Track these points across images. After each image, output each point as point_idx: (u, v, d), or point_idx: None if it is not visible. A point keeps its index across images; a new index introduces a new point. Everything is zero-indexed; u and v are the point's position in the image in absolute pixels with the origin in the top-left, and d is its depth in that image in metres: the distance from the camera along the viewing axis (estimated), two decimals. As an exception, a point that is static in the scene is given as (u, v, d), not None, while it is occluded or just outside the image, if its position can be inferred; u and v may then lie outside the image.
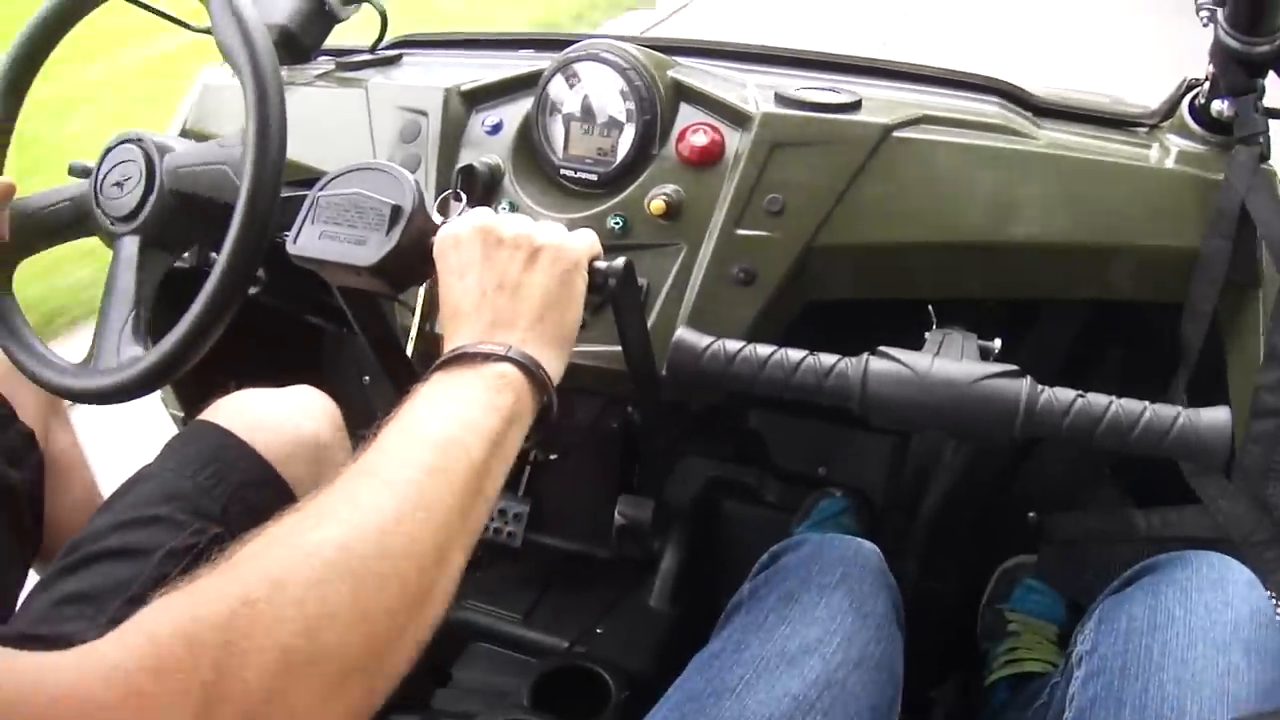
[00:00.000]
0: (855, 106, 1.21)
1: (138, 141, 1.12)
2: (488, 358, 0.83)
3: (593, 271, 0.95)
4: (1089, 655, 0.97)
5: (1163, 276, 1.17)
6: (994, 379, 0.93)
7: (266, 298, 1.47)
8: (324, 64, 1.57)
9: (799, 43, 1.49)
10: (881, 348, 0.98)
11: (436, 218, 0.99)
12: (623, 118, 1.23)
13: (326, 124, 1.39)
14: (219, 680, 0.56)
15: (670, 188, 1.20)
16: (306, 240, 0.96)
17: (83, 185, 1.16)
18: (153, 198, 1.10)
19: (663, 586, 1.53)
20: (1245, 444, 1.11)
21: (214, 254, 1.02)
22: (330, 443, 1.26)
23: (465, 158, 1.28)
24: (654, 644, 1.45)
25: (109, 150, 1.14)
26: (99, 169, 1.14)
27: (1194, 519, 1.20)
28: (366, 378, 1.85)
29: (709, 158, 1.20)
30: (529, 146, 1.29)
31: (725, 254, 1.17)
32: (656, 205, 1.19)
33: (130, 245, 1.10)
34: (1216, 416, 0.88)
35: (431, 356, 0.87)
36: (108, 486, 1.21)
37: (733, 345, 1.01)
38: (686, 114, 1.24)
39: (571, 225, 1.00)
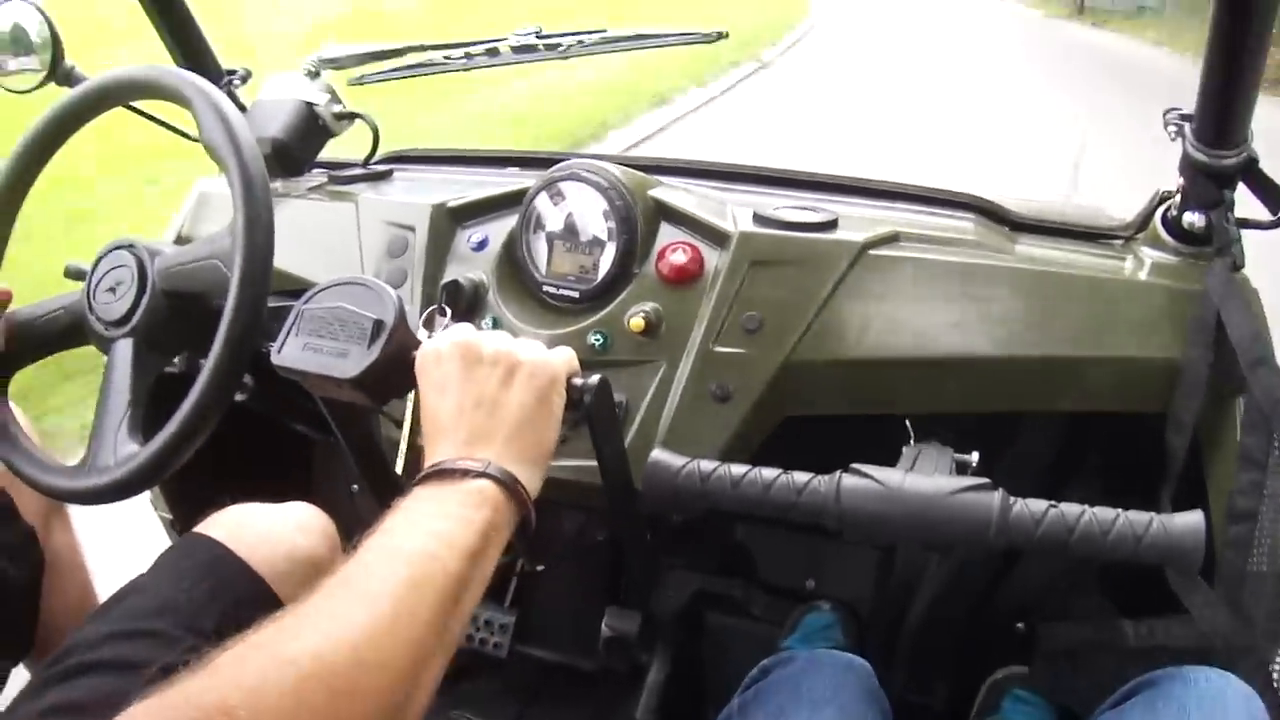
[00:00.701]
0: (832, 225, 1.23)
1: (129, 247, 1.14)
2: (465, 473, 0.85)
3: (570, 388, 0.97)
4: None
5: (1142, 387, 1.18)
6: (965, 493, 0.93)
7: (255, 404, 1.48)
8: (317, 176, 1.61)
9: (778, 161, 1.52)
10: (854, 464, 0.99)
11: (421, 333, 1.01)
12: (604, 236, 1.25)
13: (317, 236, 1.42)
14: None
15: (650, 305, 1.22)
16: (290, 351, 0.98)
17: (76, 294, 1.17)
18: (145, 300, 1.11)
19: (649, 700, 1.51)
20: (1223, 550, 1.11)
21: (203, 360, 1.04)
22: (326, 561, 1.25)
23: (451, 273, 1.31)
24: None
25: (102, 257, 1.16)
26: (92, 276, 1.15)
27: (1181, 628, 1.19)
28: (355, 487, 1.85)
29: (688, 276, 1.22)
30: (513, 263, 1.31)
31: (703, 371, 1.19)
32: (636, 323, 1.20)
33: (124, 348, 1.11)
34: (1189, 520, 0.88)
35: (418, 469, 0.88)
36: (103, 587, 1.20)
37: (707, 465, 1.01)
38: (667, 233, 1.27)
39: (553, 341, 1.01)
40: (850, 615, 1.66)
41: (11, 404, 1.18)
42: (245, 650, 0.65)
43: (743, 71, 11.98)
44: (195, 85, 1.07)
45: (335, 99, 1.59)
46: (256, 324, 0.99)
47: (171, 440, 0.99)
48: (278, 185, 1.54)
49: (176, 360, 1.33)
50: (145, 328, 1.12)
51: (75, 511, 1.51)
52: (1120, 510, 0.91)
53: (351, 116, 1.60)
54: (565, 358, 0.97)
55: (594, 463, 1.12)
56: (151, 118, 1.44)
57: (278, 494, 1.31)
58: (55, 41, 1.40)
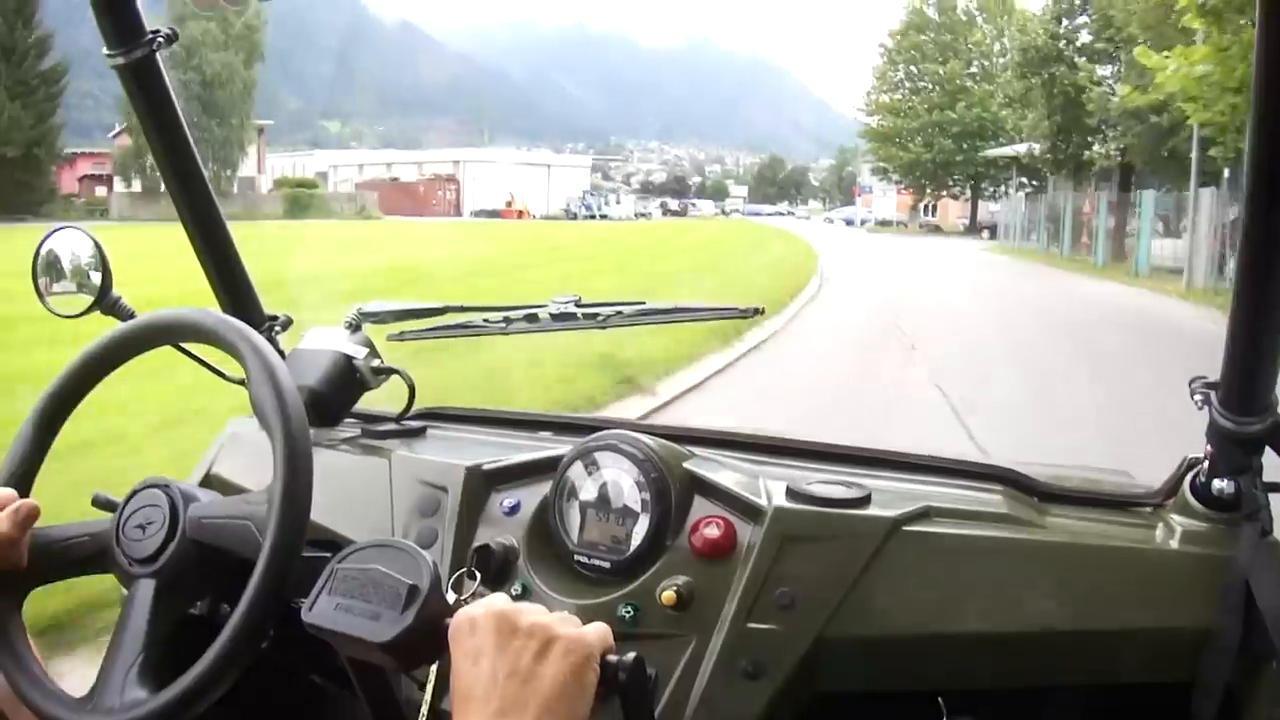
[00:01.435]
0: (865, 501, 1.24)
1: (164, 488, 1.15)
2: None
3: (604, 665, 0.95)
4: None
5: (1172, 656, 1.16)
6: None
7: (275, 655, 1.45)
8: (351, 428, 1.63)
9: (810, 434, 1.55)
10: None
11: (450, 595, 1.00)
12: (638, 508, 1.26)
13: (349, 490, 1.43)
14: None
15: (681, 579, 1.21)
16: (322, 610, 0.97)
17: (104, 523, 1.17)
18: (173, 544, 1.12)
19: None
20: None
21: (226, 605, 1.03)
22: None
23: (482, 536, 1.31)
24: None
25: (135, 493, 1.17)
26: (123, 509, 1.16)
27: None
28: None
29: (721, 551, 1.22)
30: (545, 529, 1.31)
31: (734, 647, 1.17)
32: (668, 596, 1.19)
33: (146, 588, 1.11)
34: None
35: None
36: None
37: None
38: (700, 505, 1.27)
39: (582, 611, 1.01)
40: None
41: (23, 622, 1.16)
42: None
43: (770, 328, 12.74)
44: (250, 341, 1.11)
45: (374, 353, 1.64)
46: (284, 586, 1.00)
47: (184, 694, 0.98)
48: (311, 434, 1.56)
49: (199, 604, 1.32)
50: (171, 571, 1.12)
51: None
52: None
53: (389, 372, 1.64)
54: (601, 634, 0.96)
55: None
56: (195, 357, 1.47)
57: None
58: (105, 272, 1.45)
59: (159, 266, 6.67)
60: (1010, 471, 1.39)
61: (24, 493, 1.18)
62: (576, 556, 1.28)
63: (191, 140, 1.59)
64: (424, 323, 1.74)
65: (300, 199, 46.09)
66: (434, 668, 1.18)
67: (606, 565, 1.26)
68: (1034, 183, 42.64)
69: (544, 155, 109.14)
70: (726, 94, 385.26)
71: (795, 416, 7.48)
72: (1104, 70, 32.73)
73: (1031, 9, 44.01)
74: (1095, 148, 31.85)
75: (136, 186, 43.10)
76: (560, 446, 1.37)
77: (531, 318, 1.64)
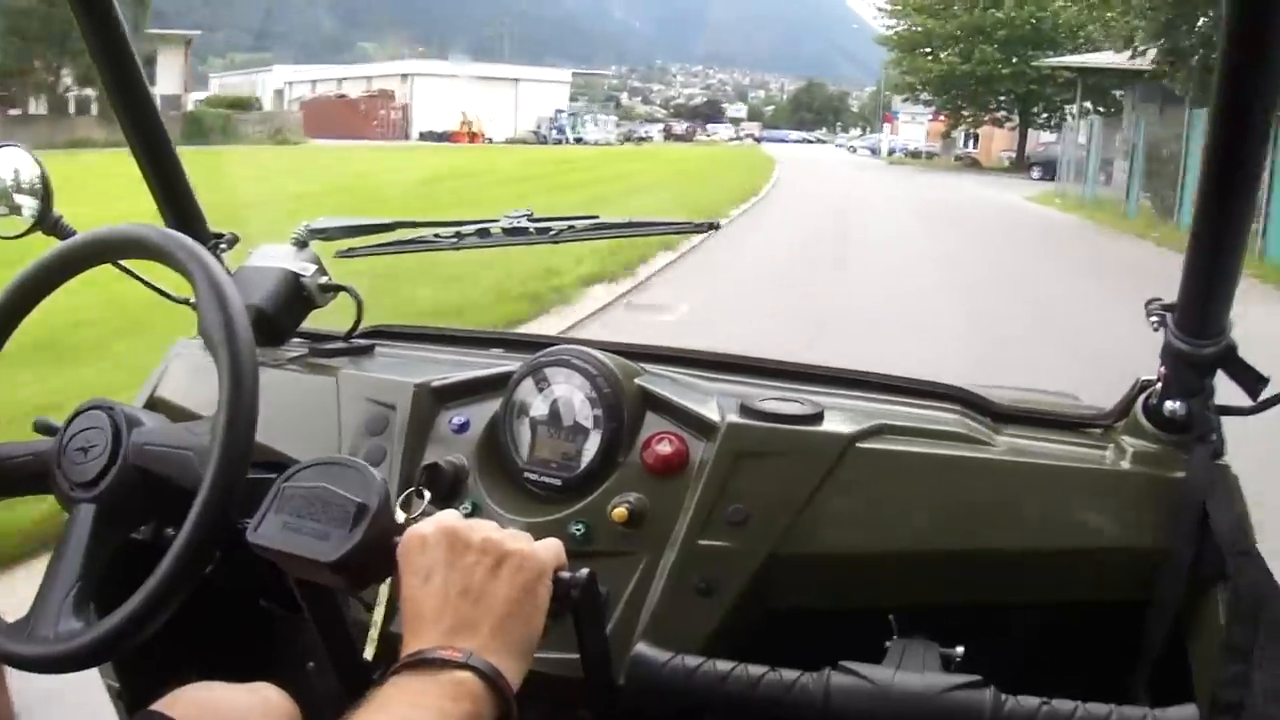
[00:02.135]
0: (818, 418, 1.23)
1: (108, 410, 1.12)
2: (446, 664, 0.83)
3: (557, 582, 0.94)
4: None
5: (1124, 576, 1.17)
6: (957, 691, 0.93)
7: (220, 579, 1.43)
8: (298, 347, 1.60)
9: (764, 352, 1.53)
10: (843, 662, 0.97)
11: (399, 515, 0.98)
12: (589, 424, 1.25)
13: (295, 409, 1.40)
14: None
15: (633, 496, 1.20)
16: (269, 530, 0.95)
17: (49, 443, 1.14)
18: (115, 469, 1.09)
19: None
20: None
21: (170, 530, 1.00)
22: None
23: (431, 454, 1.29)
24: None
25: (77, 414, 1.13)
26: (65, 430, 1.12)
27: None
28: (311, 664, 1.78)
29: (673, 467, 1.21)
30: (495, 447, 1.29)
31: (686, 564, 1.17)
32: (619, 513, 1.18)
33: (86, 513, 1.08)
34: (1183, 715, 0.89)
35: (390, 655, 0.86)
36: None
37: (692, 660, 1.00)
38: (652, 422, 1.26)
39: (533, 529, 1.00)
40: None
41: None
42: None
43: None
44: (199, 259, 1.07)
45: (321, 270, 1.60)
46: (229, 508, 0.98)
47: (124, 623, 0.96)
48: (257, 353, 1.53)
49: (142, 529, 1.29)
50: (111, 496, 1.09)
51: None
52: (1113, 706, 0.90)
53: (336, 289, 1.60)
54: (554, 551, 0.95)
55: (572, 655, 1.08)
56: (138, 277, 1.43)
57: (233, 669, 1.26)
58: (47, 191, 1.41)
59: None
60: (963, 391, 1.39)
61: None
62: (527, 474, 1.26)
63: (136, 52, 1.53)
64: (373, 239, 1.70)
65: (203, 120, 38.58)
66: (383, 588, 1.17)
67: (557, 483, 1.25)
68: (1099, 108, 33.62)
69: (511, 69, 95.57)
70: (774, 17, 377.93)
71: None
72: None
73: None
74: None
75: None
76: (510, 363, 1.35)
77: (483, 232, 1.61)
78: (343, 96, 70.09)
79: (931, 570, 1.20)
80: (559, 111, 76.78)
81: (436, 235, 1.64)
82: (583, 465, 1.24)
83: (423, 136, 61.71)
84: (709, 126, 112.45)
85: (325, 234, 1.66)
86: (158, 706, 1.17)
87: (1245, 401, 1.17)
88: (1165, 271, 1.27)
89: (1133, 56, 21.70)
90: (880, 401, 1.39)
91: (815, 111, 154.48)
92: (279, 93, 74.45)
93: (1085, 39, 35.67)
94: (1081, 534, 1.17)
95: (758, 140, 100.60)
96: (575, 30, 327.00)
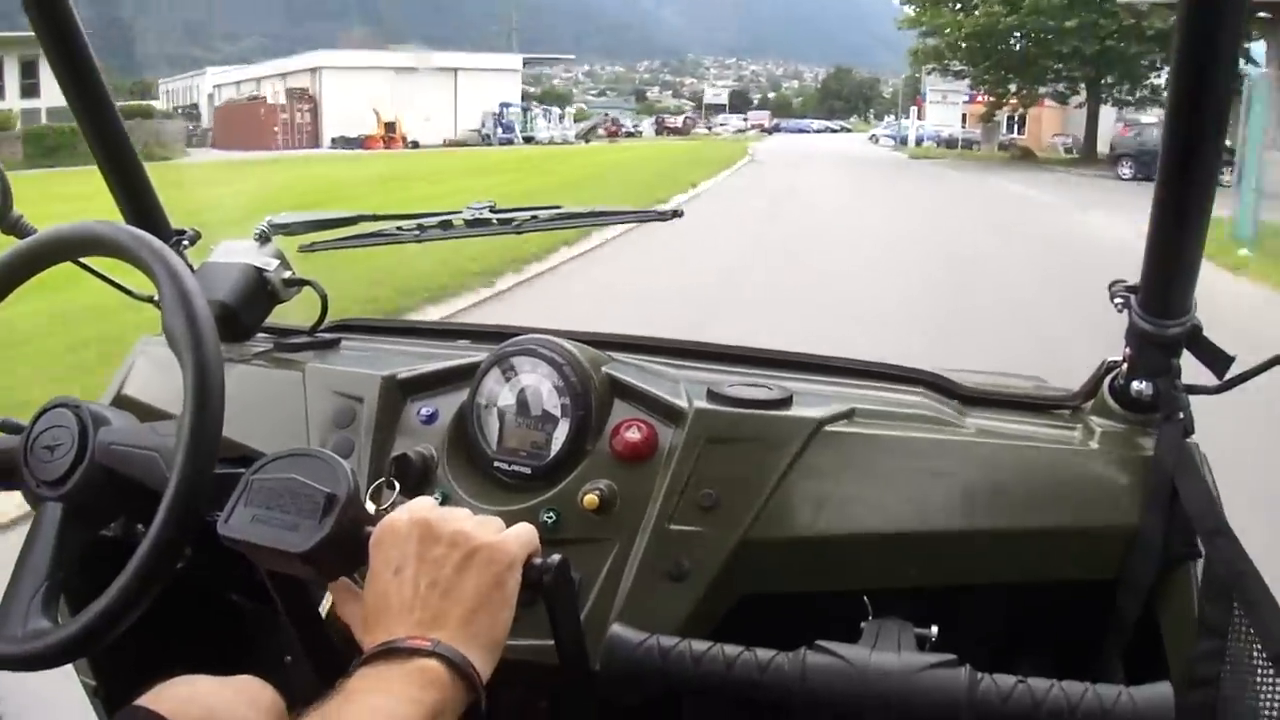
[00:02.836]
0: (786, 402, 1.24)
1: (74, 409, 1.11)
2: (414, 653, 0.84)
3: (529, 569, 0.95)
4: None
5: (1095, 555, 1.19)
6: (932, 669, 0.94)
7: (191, 574, 1.42)
8: (263, 343, 1.59)
9: (731, 339, 1.53)
10: (819, 641, 0.98)
11: (369, 506, 0.99)
12: (557, 412, 1.25)
13: (262, 404, 1.40)
14: None
15: (603, 483, 1.21)
16: (238, 522, 0.95)
17: (14, 439, 1.13)
18: (82, 468, 1.08)
19: None
20: (1181, 717, 1.10)
21: (140, 526, 1.00)
22: None
23: (399, 446, 1.29)
24: None
25: (44, 411, 1.12)
26: (31, 427, 1.12)
27: None
28: (289, 658, 1.78)
29: (642, 453, 1.22)
30: (463, 437, 1.29)
31: (658, 550, 1.17)
32: (590, 500, 1.19)
33: (53, 512, 1.07)
34: (1157, 692, 0.89)
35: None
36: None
37: (667, 641, 1.00)
38: (620, 409, 1.26)
39: (504, 518, 1.00)
40: None
41: None
42: None
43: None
44: (162, 258, 1.06)
45: (285, 265, 1.59)
46: (197, 507, 0.97)
47: (92, 623, 0.96)
48: (222, 349, 1.52)
49: (112, 526, 1.28)
50: (79, 495, 1.08)
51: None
52: (1088, 684, 0.91)
53: (300, 283, 1.60)
54: (525, 539, 0.96)
55: (545, 642, 1.09)
56: (101, 275, 1.42)
57: (209, 662, 1.25)
58: (5, 190, 1.39)
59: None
60: (931, 374, 1.40)
61: None
62: (496, 463, 1.27)
63: (88, 44, 1.51)
64: (336, 233, 1.69)
65: (48, 138, 29.49)
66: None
67: (527, 471, 1.25)
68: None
69: (448, 57, 75.00)
70: (809, 5, 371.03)
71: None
72: None
73: None
74: None
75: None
76: (477, 354, 1.35)
77: (446, 224, 1.61)
78: (255, 99, 61.00)
79: (903, 552, 1.20)
80: (504, 106, 65.14)
81: (399, 228, 1.64)
82: (552, 453, 1.24)
83: (334, 142, 52.39)
84: (721, 118, 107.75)
85: (288, 229, 1.66)
86: (142, 702, 1.16)
87: (1213, 381, 1.19)
88: None
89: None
90: (848, 386, 1.40)
91: (844, 99, 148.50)
92: (211, 98, 66.74)
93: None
94: (1052, 514, 1.18)
95: (769, 131, 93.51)
96: (599, 23, 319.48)
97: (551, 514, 1.21)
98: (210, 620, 1.70)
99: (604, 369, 1.29)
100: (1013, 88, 37.37)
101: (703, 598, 1.17)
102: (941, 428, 1.25)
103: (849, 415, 1.23)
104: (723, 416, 1.22)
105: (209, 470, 0.98)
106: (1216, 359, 1.18)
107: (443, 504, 1.20)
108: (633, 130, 76.23)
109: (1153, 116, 30.06)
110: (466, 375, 1.32)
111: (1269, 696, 1.08)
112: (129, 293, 1.50)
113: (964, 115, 50.07)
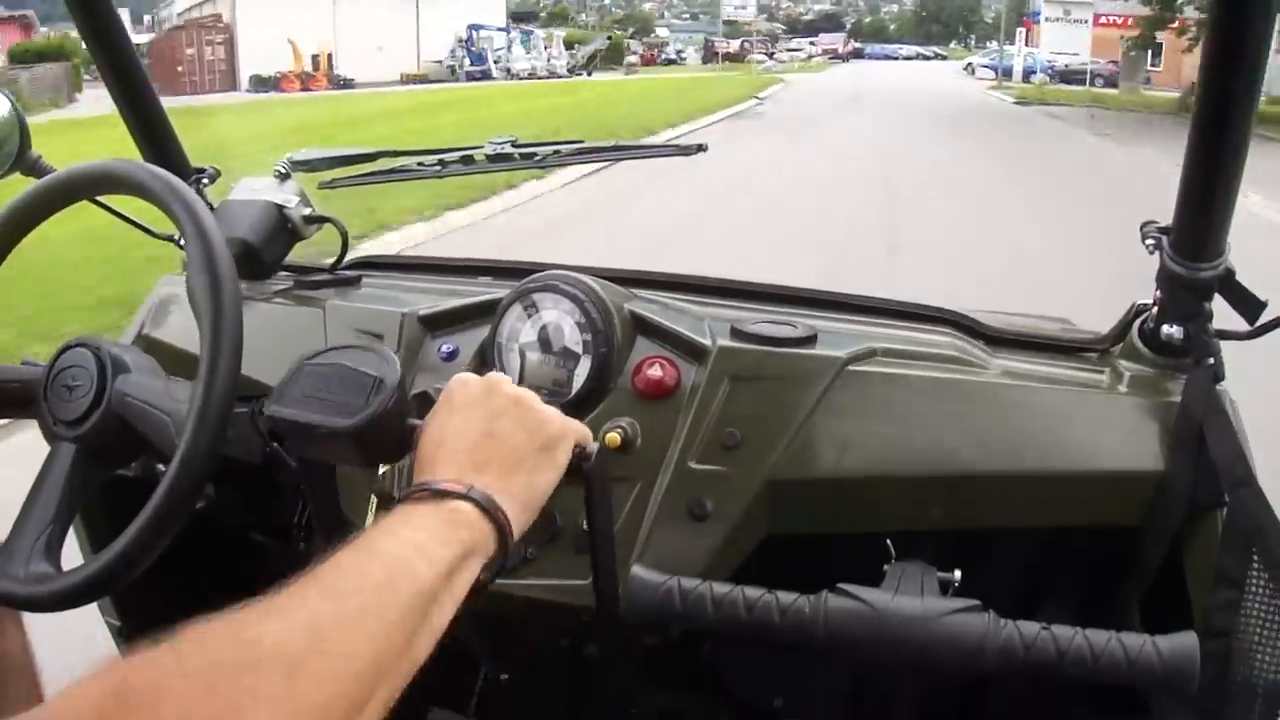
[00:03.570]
0: (811, 340, 1.22)
1: (95, 350, 1.10)
2: (448, 494, 0.85)
3: (576, 451, 0.95)
4: None
5: (1120, 500, 1.17)
6: (956, 614, 0.93)
7: (214, 513, 1.43)
8: (283, 280, 1.58)
9: (755, 276, 1.50)
10: (841, 584, 0.97)
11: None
12: (579, 349, 1.24)
13: (283, 342, 1.38)
14: None
15: (625, 420, 1.20)
16: (288, 402, 0.97)
17: (36, 372, 1.13)
18: (99, 412, 1.07)
19: None
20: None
21: (161, 466, 1.00)
22: None
23: (420, 383, 1.28)
24: None
25: (65, 349, 1.12)
26: (53, 364, 1.11)
27: None
28: None
29: (665, 391, 1.20)
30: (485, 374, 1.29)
31: (680, 489, 1.16)
32: (611, 438, 1.18)
33: (66, 453, 1.06)
34: (1183, 642, 0.88)
35: None
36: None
37: (689, 583, 1.00)
38: (643, 347, 1.25)
39: None
40: None
41: None
42: (205, 631, 0.67)
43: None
44: (183, 198, 1.04)
45: (305, 202, 1.58)
46: (213, 450, 0.96)
47: (113, 563, 0.96)
48: (242, 288, 1.52)
49: (133, 466, 1.29)
50: (93, 437, 1.07)
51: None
52: (1112, 633, 0.90)
53: (321, 220, 1.58)
54: (582, 429, 0.97)
55: (572, 581, 1.09)
56: (119, 214, 1.41)
57: (232, 602, 1.26)
58: (23, 131, 1.39)
59: None
60: (957, 314, 1.38)
61: None
62: None
63: None
64: (356, 169, 1.68)
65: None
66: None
67: None
68: None
69: None
70: None
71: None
72: None
73: None
74: None
75: None
76: (499, 290, 1.33)
77: (467, 159, 1.59)
78: (179, 29, 46.74)
79: (927, 494, 1.19)
80: (474, 29, 49.90)
81: (420, 164, 1.62)
82: (574, 391, 1.23)
83: (253, 84, 41.77)
84: (795, 42, 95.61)
85: (308, 165, 1.64)
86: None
87: (1244, 326, 1.17)
88: None
89: None
90: (873, 325, 1.38)
91: (943, 23, 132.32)
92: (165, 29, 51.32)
93: None
94: (1078, 457, 1.17)
95: (841, 58, 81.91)
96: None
97: None
98: (234, 560, 1.72)
99: (626, 306, 1.28)
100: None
101: (725, 538, 1.16)
102: (967, 369, 1.23)
103: (874, 354, 1.22)
104: (746, 354, 1.20)
105: (225, 418, 0.97)
106: (1249, 304, 1.16)
107: None
108: (675, 57, 68.90)
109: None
110: (488, 312, 1.31)
111: None
112: (150, 232, 1.49)
113: (1090, 40, 39.17)
